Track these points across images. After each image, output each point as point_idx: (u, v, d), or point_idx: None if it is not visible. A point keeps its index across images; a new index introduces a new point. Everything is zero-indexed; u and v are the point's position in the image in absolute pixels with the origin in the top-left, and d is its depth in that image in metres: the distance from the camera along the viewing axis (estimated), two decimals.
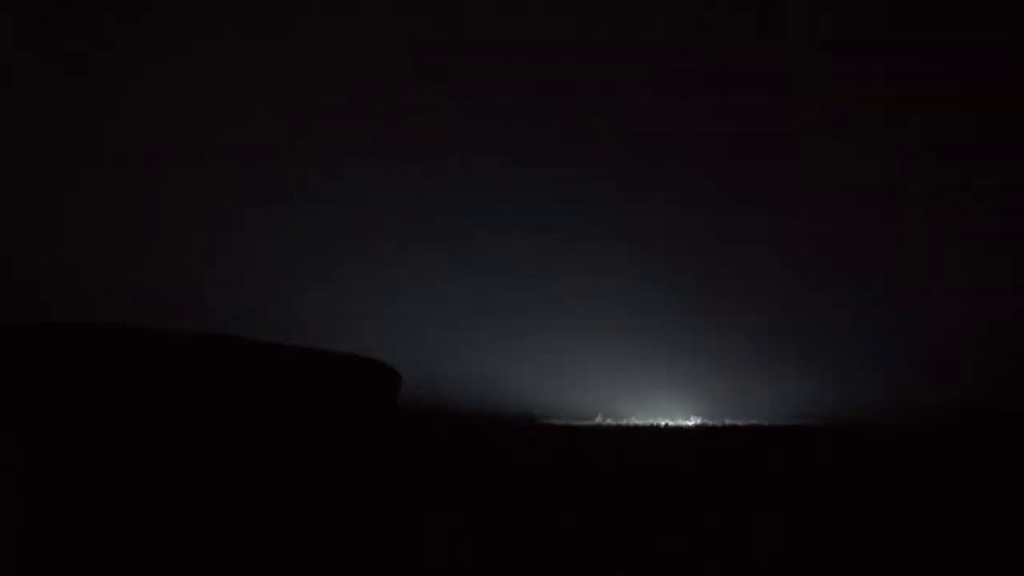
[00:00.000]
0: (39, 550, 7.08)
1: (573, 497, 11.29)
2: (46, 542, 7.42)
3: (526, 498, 11.06)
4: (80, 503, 10.21)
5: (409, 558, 6.66)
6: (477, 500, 10.82)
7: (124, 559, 6.67)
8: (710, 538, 7.46)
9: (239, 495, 11.48)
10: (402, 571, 6.24)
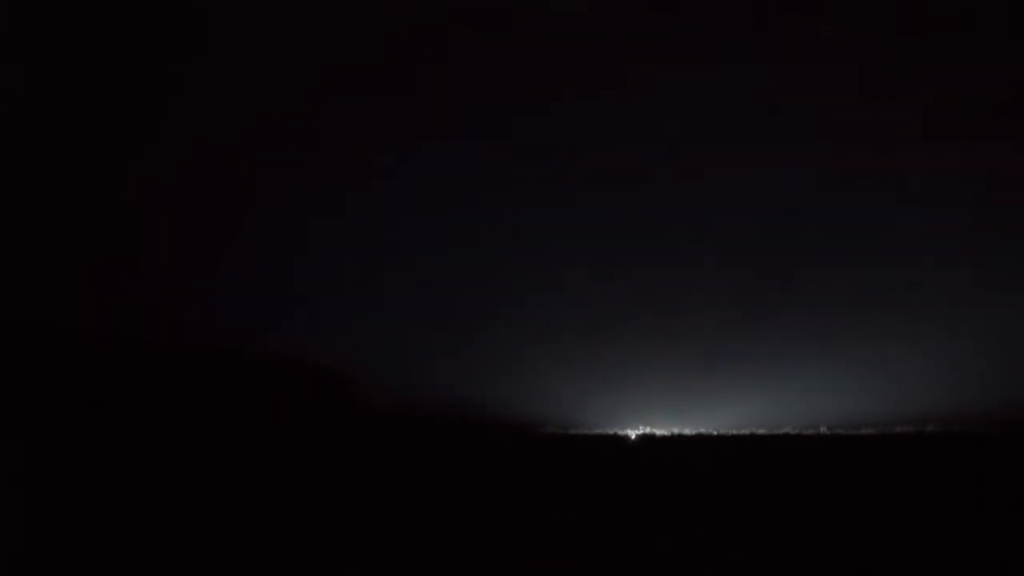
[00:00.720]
0: (38, 549, 7.09)
1: (572, 500, 11.31)
2: (44, 541, 7.43)
3: (524, 500, 11.08)
4: (76, 501, 10.22)
5: (401, 561, 6.66)
6: (474, 503, 10.83)
7: (116, 557, 6.68)
8: (706, 539, 7.47)
9: (226, 495, 11.48)
10: (400, 571, 6.24)
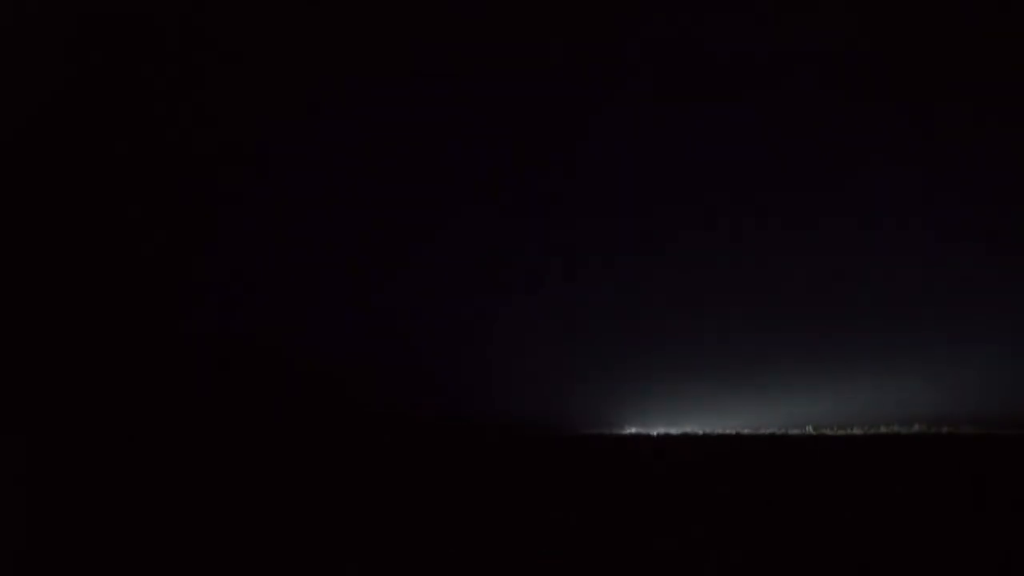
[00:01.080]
0: (38, 549, 7.10)
1: (571, 500, 11.32)
2: (44, 541, 7.44)
3: (523, 500, 11.08)
4: (76, 501, 10.23)
5: (404, 559, 6.67)
6: (473, 503, 10.84)
7: (116, 557, 6.69)
8: (707, 539, 7.48)
9: (227, 495, 11.50)
10: (404, 571, 6.26)
